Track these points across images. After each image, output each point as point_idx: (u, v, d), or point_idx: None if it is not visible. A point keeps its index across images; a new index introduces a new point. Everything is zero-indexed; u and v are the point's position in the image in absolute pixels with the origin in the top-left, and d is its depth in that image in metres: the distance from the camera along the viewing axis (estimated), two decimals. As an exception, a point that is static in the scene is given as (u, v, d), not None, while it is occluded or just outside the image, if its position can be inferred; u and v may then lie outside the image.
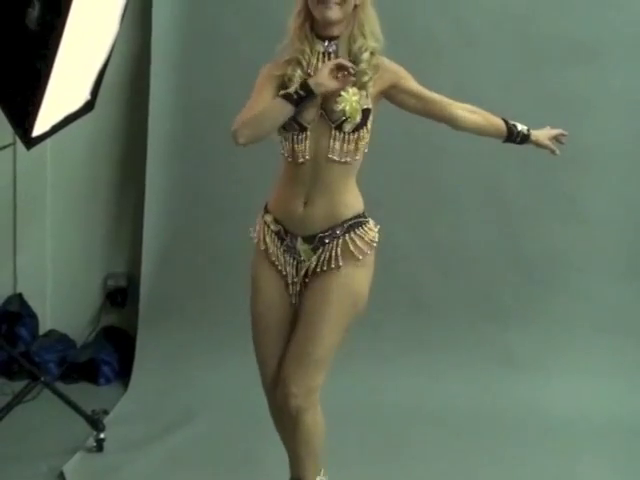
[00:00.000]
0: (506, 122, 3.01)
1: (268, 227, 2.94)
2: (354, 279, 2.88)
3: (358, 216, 2.89)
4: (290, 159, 2.83)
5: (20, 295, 4.69)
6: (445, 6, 4.29)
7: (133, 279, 4.67)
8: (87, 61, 3.72)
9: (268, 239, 2.93)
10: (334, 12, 2.77)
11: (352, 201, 2.89)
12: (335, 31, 2.82)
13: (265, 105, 2.77)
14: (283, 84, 2.82)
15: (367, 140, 2.84)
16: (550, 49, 4.25)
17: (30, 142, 3.22)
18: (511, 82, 4.22)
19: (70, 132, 3.83)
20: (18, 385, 4.07)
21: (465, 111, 2.96)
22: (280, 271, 2.93)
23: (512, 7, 4.25)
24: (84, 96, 3.91)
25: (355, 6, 2.80)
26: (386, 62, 2.87)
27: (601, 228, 4.37)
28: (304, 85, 2.72)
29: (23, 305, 4.66)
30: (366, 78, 2.80)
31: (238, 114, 2.78)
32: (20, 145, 3.45)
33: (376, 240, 2.92)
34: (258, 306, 2.97)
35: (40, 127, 3.23)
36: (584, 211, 4.37)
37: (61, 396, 3.85)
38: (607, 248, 4.38)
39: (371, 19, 2.83)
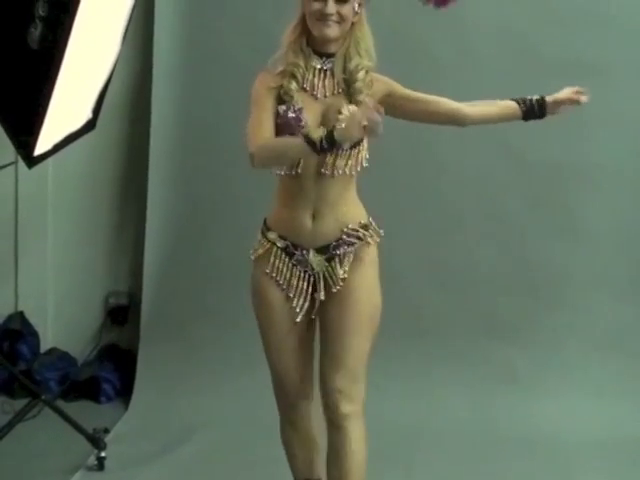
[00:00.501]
0: (515, 100, 2.96)
1: (274, 244, 2.93)
2: (370, 283, 2.91)
3: (366, 222, 2.93)
4: (288, 172, 2.83)
5: (21, 313, 4.68)
6: (446, 25, 4.28)
7: (134, 297, 4.67)
8: (89, 80, 3.74)
9: (272, 258, 2.92)
10: (332, 30, 2.78)
11: (357, 211, 2.93)
12: (332, 48, 2.84)
13: (287, 141, 2.77)
14: (279, 96, 2.83)
15: (365, 154, 2.86)
16: (551, 67, 4.24)
17: (32, 161, 3.23)
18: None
19: (72, 151, 3.84)
20: (19, 403, 4.05)
21: (469, 106, 2.93)
22: (282, 286, 2.91)
23: (513, 25, 4.26)
24: (86, 115, 3.92)
25: (352, 23, 2.82)
26: (376, 76, 2.89)
27: (603, 245, 4.36)
28: (329, 137, 2.67)
29: (24, 323, 4.65)
30: (362, 96, 2.81)
31: (247, 129, 2.78)
32: (22, 164, 3.47)
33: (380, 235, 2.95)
34: (268, 320, 2.95)
35: (42, 146, 3.25)
36: (586, 228, 4.36)
37: (62, 414, 3.85)
38: (609, 265, 4.38)
39: (366, 37, 2.85)
